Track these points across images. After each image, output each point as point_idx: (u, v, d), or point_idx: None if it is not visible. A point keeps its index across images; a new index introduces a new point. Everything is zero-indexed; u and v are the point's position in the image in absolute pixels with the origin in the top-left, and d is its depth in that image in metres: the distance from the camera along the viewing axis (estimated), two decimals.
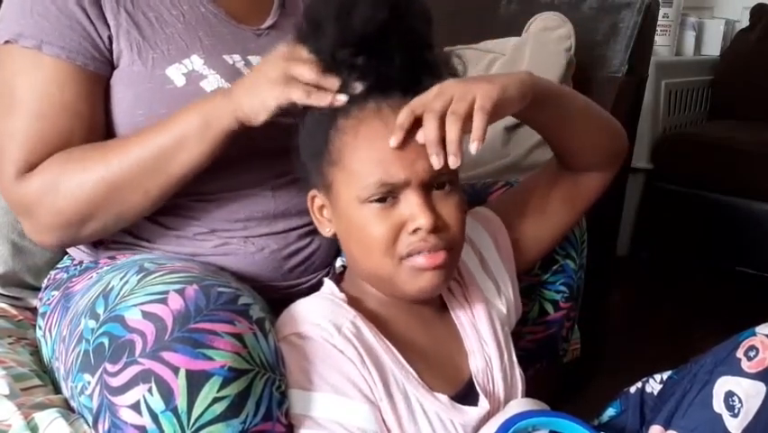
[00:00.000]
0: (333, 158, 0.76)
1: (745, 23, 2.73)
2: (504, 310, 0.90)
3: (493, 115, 0.72)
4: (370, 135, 0.74)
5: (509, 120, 1.53)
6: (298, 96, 0.74)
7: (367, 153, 0.74)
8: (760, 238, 2.21)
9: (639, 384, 0.94)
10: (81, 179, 0.81)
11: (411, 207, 0.73)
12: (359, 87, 0.75)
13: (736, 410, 0.79)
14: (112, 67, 0.86)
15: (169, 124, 0.80)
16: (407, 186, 0.73)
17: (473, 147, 0.71)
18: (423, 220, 0.72)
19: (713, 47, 2.79)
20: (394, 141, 0.71)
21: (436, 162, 0.71)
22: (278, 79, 0.75)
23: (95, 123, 0.86)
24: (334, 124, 0.76)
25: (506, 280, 0.91)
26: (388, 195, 0.74)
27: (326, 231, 0.81)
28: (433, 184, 0.75)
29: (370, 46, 0.74)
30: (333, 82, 0.75)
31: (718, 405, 0.80)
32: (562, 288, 1.07)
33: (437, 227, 0.74)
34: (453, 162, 0.71)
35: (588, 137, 0.88)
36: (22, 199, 0.83)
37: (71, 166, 0.81)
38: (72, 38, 0.83)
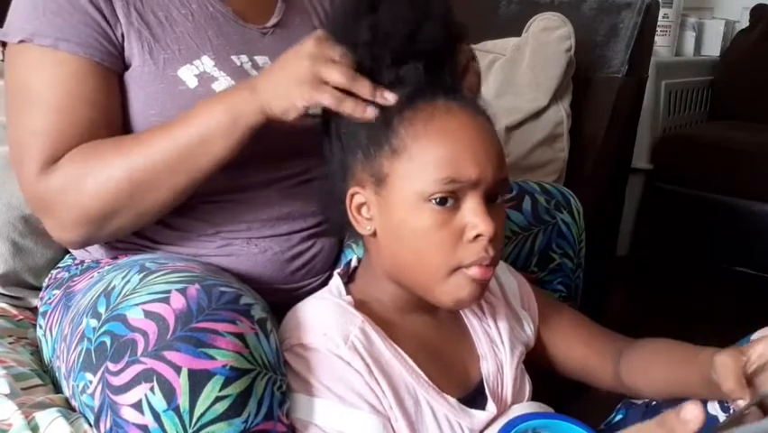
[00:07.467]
0: (395, 148, 0.72)
1: (744, 23, 2.73)
2: (522, 334, 0.89)
3: None
4: (442, 130, 0.71)
5: (510, 120, 1.54)
6: (329, 103, 0.72)
7: (438, 148, 0.70)
8: (760, 238, 2.21)
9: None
10: (105, 176, 0.79)
11: (474, 212, 0.70)
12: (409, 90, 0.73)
13: (731, 411, 0.79)
14: (124, 64, 0.86)
15: (194, 119, 0.78)
16: (474, 188, 0.70)
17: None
18: (486, 227, 0.69)
19: (713, 47, 2.80)
20: None
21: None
22: (306, 80, 0.72)
23: (114, 116, 0.85)
24: (400, 114, 0.72)
25: (529, 322, 0.89)
26: (452, 195, 0.70)
27: (367, 229, 0.75)
28: (492, 194, 0.72)
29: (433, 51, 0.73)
30: (366, 89, 0.72)
31: (713, 407, 0.80)
32: (560, 286, 1.07)
33: (492, 239, 0.71)
34: None
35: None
36: (45, 196, 0.82)
37: (94, 161, 0.80)
38: (87, 34, 0.82)
